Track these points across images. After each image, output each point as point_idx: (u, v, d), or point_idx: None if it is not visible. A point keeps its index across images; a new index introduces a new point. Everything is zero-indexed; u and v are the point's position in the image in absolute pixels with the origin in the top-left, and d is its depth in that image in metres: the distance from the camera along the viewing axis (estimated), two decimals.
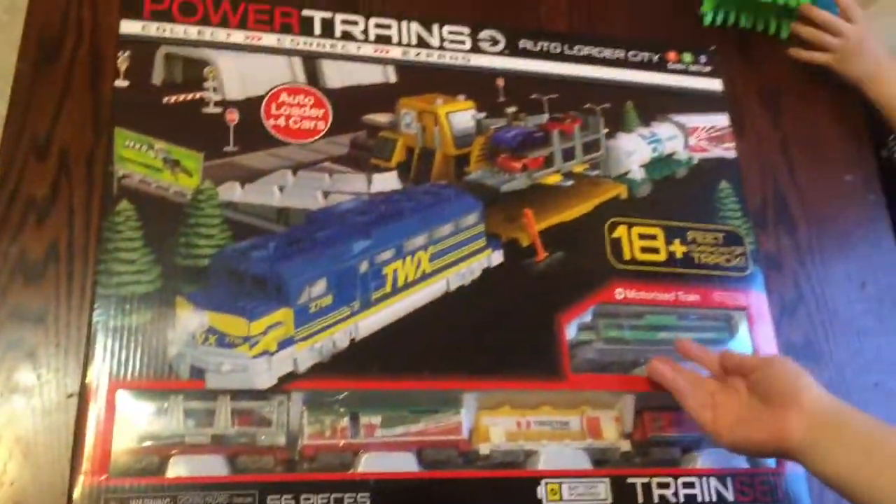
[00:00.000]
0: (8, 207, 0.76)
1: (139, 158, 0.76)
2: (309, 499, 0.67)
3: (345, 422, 0.71)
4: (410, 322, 0.76)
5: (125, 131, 0.76)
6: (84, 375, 0.67)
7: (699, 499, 0.76)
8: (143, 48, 0.81)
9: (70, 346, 0.73)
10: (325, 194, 0.79)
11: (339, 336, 0.73)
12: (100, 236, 0.73)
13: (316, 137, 0.81)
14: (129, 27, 0.81)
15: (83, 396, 0.67)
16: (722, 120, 0.96)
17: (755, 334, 0.85)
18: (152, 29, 0.82)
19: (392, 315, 0.76)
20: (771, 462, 0.79)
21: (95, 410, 0.66)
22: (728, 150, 0.95)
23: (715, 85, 0.98)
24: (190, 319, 0.70)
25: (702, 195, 0.91)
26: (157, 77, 0.80)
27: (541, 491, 0.72)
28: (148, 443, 0.67)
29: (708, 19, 1.06)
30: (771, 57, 1.11)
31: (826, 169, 1.06)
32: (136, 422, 0.67)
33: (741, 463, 0.78)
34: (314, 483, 0.68)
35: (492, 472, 0.72)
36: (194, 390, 0.69)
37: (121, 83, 0.79)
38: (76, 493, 0.63)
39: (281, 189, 0.78)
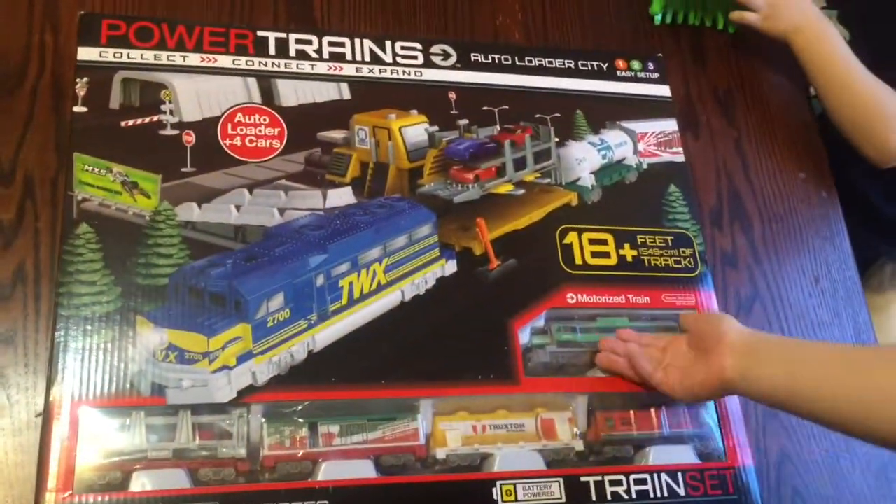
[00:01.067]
0: None
1: (98, 182, 0.78)
2: None
3: (304, 432, 0.73)
4: (367, 333, 0.78)
5: (84, 156, 0.78)
6: (48, 395, 0.69)
7: (651, 494, 0.78)
8: (101, 74, 0.83)
9: (38, 366, 0.75)
10: (282, 211, 0.81)
11: (297, 349, 0.75)
12: (61, 259, 0.75)
13: (272, 156, 0.84)
14: (86, 54, 0.83)
15: (47, 415, 0.69)
16: (670, 125, 0.99)
17: None
18: (109, 55, 0.84)
19: (349, 326, 0.78)
20: (721, 456, 0.82)
21: (59, 429, 0.68)
22: (676, 154, 0.98)
23: (663, 91, 1.01)
24: (150, 337, 0.72)
25: (651, 199, 0.93)
26: (115, 101, 0.82)
27: (496, 492, 0.75)
28: (111, 459, 0.69)
29: (658, 19, 1.09)
30: (722, 58, 1.14)
31: (779, 166, 1.10)
32: (99, 439, 0.69)
33: (691, 458, 0.81)
34: (275, 492, 0.70)
35: (448, 475, 0.75)
36: (156, 406, 0.71)
37: (79, 109, 0.81)
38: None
39: (238, 207, 0.80)
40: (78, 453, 0.68)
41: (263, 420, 0.73)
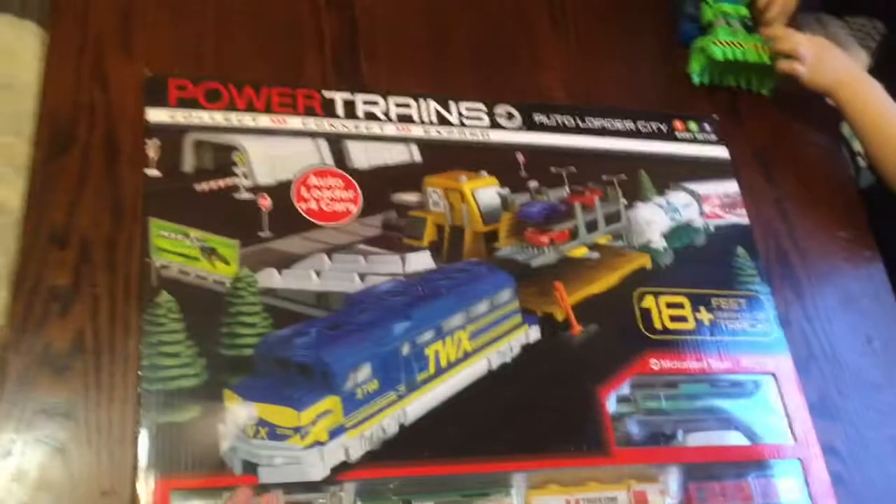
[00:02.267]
0: (30, 299, 0.75)
1: (175, 248, 0.75)
2: None
3: None
4: (455, 403, 0.76)
5: (160, 221, 0.75)
6: (134, 477, 0.65)
7: None
8: (171, 135, 0.80)
9: (101, 442, 0.71)
10: (362, 276, 0.79)
11: (389, 422, 0.72)
12: (141, 330, 0.71)
13: (348, 220, 0.81)
14: (156, 115, 0.81)
15: (134, 499, 0.64)
16: (732, 186, 0.99)
17: (784, 397, 0.86)
18: (179, 116, 0.81)
19: (437, 397, 0.75)
20: None
21: None
22: (741, 217, 0.97)
23: (721, 152, 1.01)
24: (239, 412, 0.69)
25: (721, 262, 0.93)
26: (188, 164, 0.79)
27: None
28: None
29: (696, 79, 1.10)
30: (758, 117, 1.15)
31: (821, 225, 1.09)
32: None
33: None
34: None
35: None
36: (248, 486, 0.67)
37: (152, 172, 0.78)
38: None
39: (318, 273, 0.78)
40: None
41: (357, 498, 0.69)
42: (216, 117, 0.82)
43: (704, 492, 0.79)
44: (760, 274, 0.93)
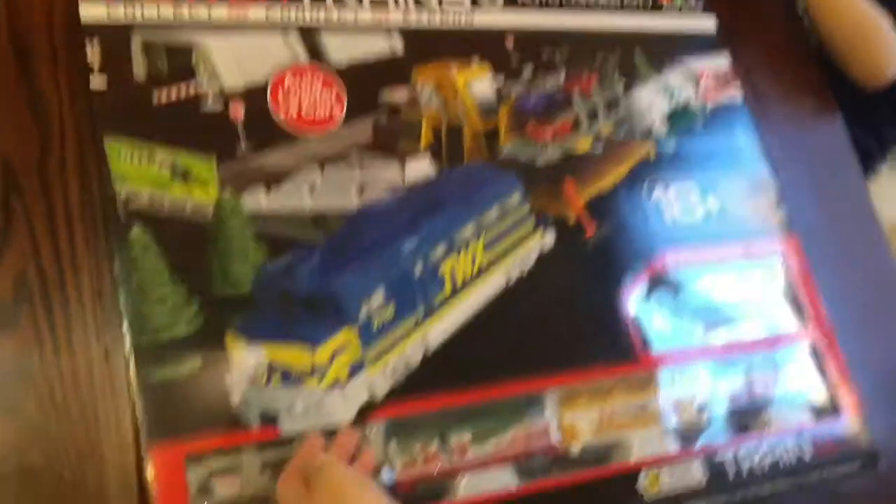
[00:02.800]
0: None
1: (141, 173, 0.63)
2: None
3: (434, 445, 0.64)
4: (477, 323, 0.69)
5: (117, 142, 0.63)
6: (138, 448, 0.56)
7: (782, 464, 0.74)
8: (113, 37, 0.67)
9: (69, 403, 0.62)
10: (360, 189, 0.69)
11: (411, 352, 0.65)
12: (113, 277, 0.60)
13: (335, 124, 0.71)
14: (91, 11, 0.67)
15: (140, 474, 0.56)
16: (723, 60, 0.92)
17: (794, 278, 0.83)
18: (119, 13, 0.68)
19: (458, 319, 0.68)
20: (835, 409, 0.79)
21: (162, 485, 0.55)
22: (735, 93, 0.91)
23: (709, 23, 0.94)
24: (245, 358, 0.60)
25: (722, 144, 0.87)
26: (139, 72, 0.67)
27: (640, 482, 0.68)
28: None
29: None
30: None
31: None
32: (212, 492, 0.57)
33: (807, 417, 0.78)
34: None
35: (590, 471, 0.67)
36: (268, 441, 0.59)
37: (98, 83, 0.65)
38: None
39: (311, 190, 0.68)
40: None
41: (390, 439, 0.63)
42: (164, 12, 0.69)
43: (734, 386, 0.76)
44: (759, 153, 0.88)
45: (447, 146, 0.75)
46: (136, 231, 0.61)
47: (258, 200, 0.66)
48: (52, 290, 0.66)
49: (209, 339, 0.60)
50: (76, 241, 0.68)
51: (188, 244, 0.62)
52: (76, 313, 0.66)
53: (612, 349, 0.72)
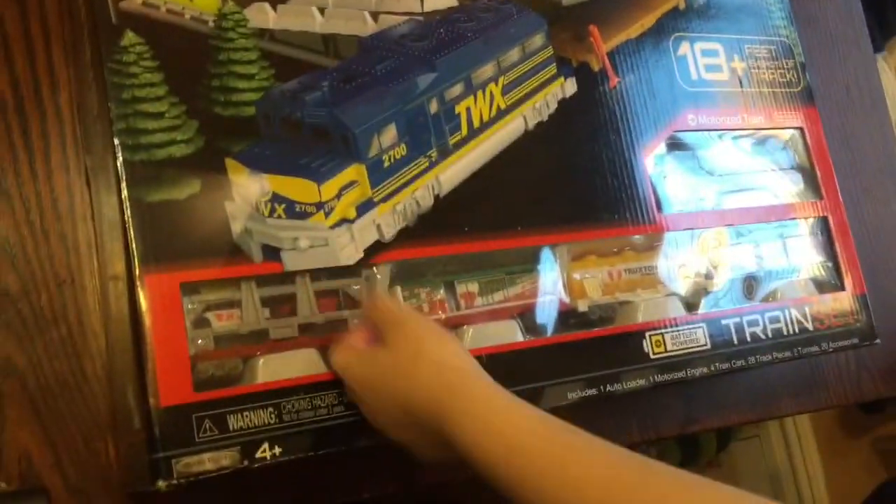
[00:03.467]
0: None
1: None
2: None
3: (441, 293, 0.61)
4: (493, 169, 0.65)
5: None
6: (131, 270, 0.52)
7: (784, 332, 0.73)
8: None
9: (47, 228, 0.58)
10: (374, 15, 0.63)
11: (422, 193, 0.61)
12: (104, 82, 0.54)
13: None
14: None
15: (135, 299, 0.52)
16: None
17: (812, 152, 0.80)
18: None
19: (473, 163, 0.64)
20: (838, 285, 0.77)
21: (157, 314, 0.51)
22: None
23: None
24: (249, 185, 0.56)
25: (753, 2, 0.82)
26: None
27: (646, 344, 0.66)
28: (227, 345, 0.54)
29: None
30: None
31: None
32: (207, 320, 0.54)
33: (811, 290, 0.77)
34: None
35: (597, 331, 0.65)
36: (269, 275, 0.55)
37: None
38: (156, 417, 0.50)
39: (321, 10, 0.61)
40: (189, 341, 0.52)
41: (395, 282, 0.60)
42: None
43: (742, 255, 0.74)
44: (788, 16, 0.83)
45: None
46: (130, 35, 0.55)
47: (264, 15, 0.60)
48: (27, 103, 0.61)
49: (209, 162, 0.55)
50: (52, 46, 0.62)
51: (187, 56, 0.56)
52: (54, 129, 0.61)
53: (627, 208, 0.69)
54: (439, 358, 0.50)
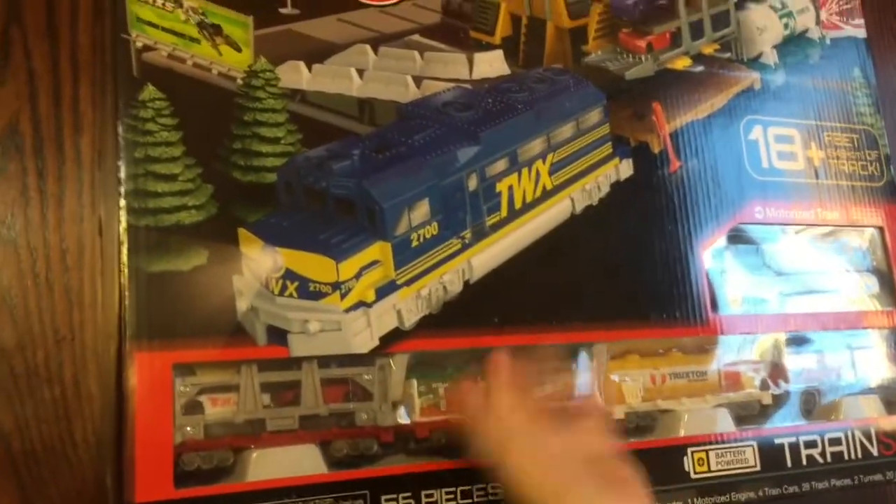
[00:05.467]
0: None
1: (164, 21, 0.53)
2: (431, 495, 0.52)
3: None
4: (532, 255, 0.59)
5: None
6: (121, 345, 0.48)
7: (846, 456, 0.65)
8: None
9: (53, 280, 0.54)
10: (417, 81, 0.59)
11: (451, 278, 0.56)
12: (117, 140, 0.51)
13: None
14: None
15: (122, 378, 0.48)
16: None
17: (891, 255, 0.72)
18: None
19: (511, 247, 0.58)
20: None
21: (144, 397, 0.47)
22: (858, 28, 0.78)
23: None
24: (260, 259, 0.51)
25: (836, 85, 0.75)
26: None
27: (687, 462, 0.60)
28: (219, 433, 0.49)
29: None
30: None
31: None
32: (200, 405, 0.49)
33: (880, 410, 0.69)
34: (435, 474, 0.52)
35: (633, 443, 0.59)
36: (272, 359, 0.51)
37: None
38: None
39: (360, 73, 0.57)
40: (175, 428, 0.48)
41: (411, 374, 0.54)
42: None
43: (803, 365, 0.67)
44: (875, 103, 0.76)
45: (526, 42, 0.63)
46: (150, 90, 0.51)
47: (298, 75, 0.55)
48: (47, 143, 0.57)
49: (221, 231, 0.51)
50: (81, 89, 0.58)
51: (209, 115, 0.52)
52: (71, 174, 0.57)
53: (678, 306, 0.62)
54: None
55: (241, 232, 0.51)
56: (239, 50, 0.54)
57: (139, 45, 0.52)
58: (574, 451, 0.47)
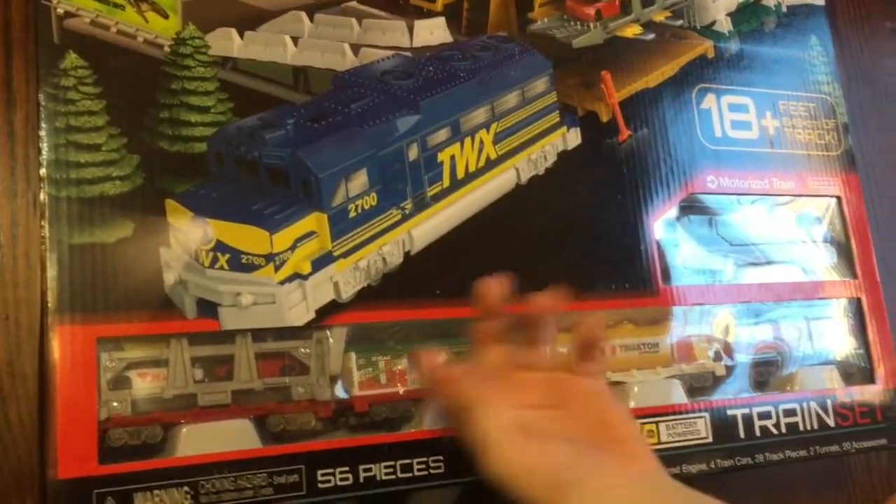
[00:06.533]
0: None
1: None
2: (370, 469, 0.51)
3: (403, 363, 0.54)
4: (476, 226, 0.58)
5: None
6: (43, 321, 0.47)
7: (801, 427, 0.64)
8: None
9: (5, 261, 0.53)
10: (355, 49, 0.57)
11: (390, 249, 0.55)
12: (40, 107, 0.49)
13: None
14: None
15: (45, 351, 0.46)
16: None
17: (848, 225, 0.72)
18: None
19: (453, 218, 0.57)
20: (869, 378, 0.69)
21: (67, 371, 0.46)
22: None
23: None
24: (189, 231, 0.50)
25: (792, 53, 0.74)
26: None
27: None
28: (147, 409, 0.48)
29: None
30: None
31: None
32: (127, 381, 0.48)
33: (838, 382, 0.68)
34: (373, 448, 0.51)
35: None
36: (204, 333, 0.49)
37: None
38: (52, 491, 0.44)
39: (294, 41, 0.56)
40: (100, 404, 0.46)
41: (350, 348, 0.53)
42: None
43: (758, 336, 0.66)
44: (832, 72, 0.75)
45: (469, 10, 0.62)
46: (72, 57, 0.50)
47: (229, 43, 0.54)
48: None
49: (147, 202, 0.49)
50: (14, 65, 0.57)
51: (134, 83, 0.51)
52: (4, 150, 0.55)
53: (628, 276, 0.61)
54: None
55: (169, 203, 0.50)
56: (166, 17, 0.52)
57: (60, 11, 0.50)
58: (567, 427, 0.44)
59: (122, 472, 0.45)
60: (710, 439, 0.61)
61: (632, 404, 0.59)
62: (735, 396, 0.63)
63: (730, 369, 0.65)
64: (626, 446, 0.45)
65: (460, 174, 0.58)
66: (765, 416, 0.63)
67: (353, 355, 0.53)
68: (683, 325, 0.64)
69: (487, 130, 0.59)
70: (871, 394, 0.68)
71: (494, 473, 0.42)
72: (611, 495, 0.41)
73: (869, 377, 0.69)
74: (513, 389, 0.45)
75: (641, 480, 0.44)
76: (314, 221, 0.52)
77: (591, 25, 0.65)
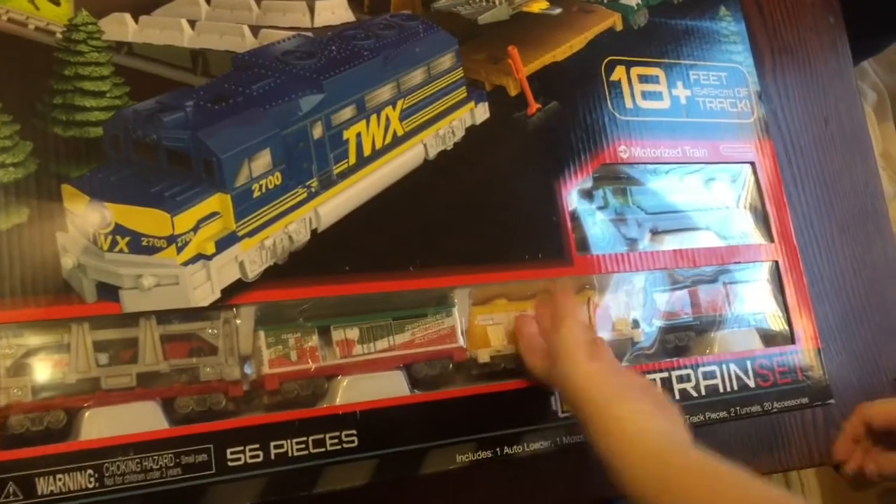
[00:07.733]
0: None
1: None
2: (281, 446, 0.51)
3: (314, 340, 0.55)
4: (384, 202, 0.58)
5: None
6: None
7: (721, 389, 0.65)
8: None
9: None
10: (255, 30, 0.57)
11: (297, 227, 0.55)
12: None
13: None
14: None
15: None
16: None
17: (763, 190, 0.73)
18: None
19: (360, 195, 0.57)
20: (788, 338, 0.70)
21: None
22: None
23: None
24: (86, 215, 0.50)
25: (702, 24, 0.75)
26: None
27: (555, 400, 0.59)
28: (49, 394, 0.48)
29: None
30: None
31: None
32: (27, 367, 0.48)
33: (756, 343, 0.69)
34: (284, 425, 0.51)
35: (497, 385, 0.58)
36: (105, 316, 0.49)
37: None
38: None
39: (192, 24, 0.56)
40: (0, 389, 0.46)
41: (259, 327, 0.53)
42: None
43: (674, 304, 0.67)
44: (743, 41, 0.77)
45: None
46: None
47: (124, 28, 0.54)
48: None
49: (42, 188, 0.49)
50: None
51: (26, 71, 0.51)
52: None
53: (542, 247, 0.62)
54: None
55: (65, 188, 0.50)
56: (58, 3, 0.52)
57: None
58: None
59: (24, 458, 0.45)
60: None
61: None
62: (656, 361, 0.64)
63: (649, 336, 0.65)
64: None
65: (367, 151, 0.58)
66: (684, 379, 0.64)
67: (262, 334, 0.53)
68: (602, 293, 0.65)
69: (394, 107, 0.60)
70: (790, 354, 0.69)
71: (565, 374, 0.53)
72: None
73: (789, 338, 0.70)
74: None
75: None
76: (217, 202, 0.52)
77: (497, 1, 0.66)
